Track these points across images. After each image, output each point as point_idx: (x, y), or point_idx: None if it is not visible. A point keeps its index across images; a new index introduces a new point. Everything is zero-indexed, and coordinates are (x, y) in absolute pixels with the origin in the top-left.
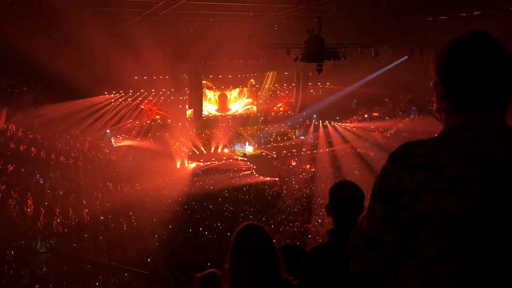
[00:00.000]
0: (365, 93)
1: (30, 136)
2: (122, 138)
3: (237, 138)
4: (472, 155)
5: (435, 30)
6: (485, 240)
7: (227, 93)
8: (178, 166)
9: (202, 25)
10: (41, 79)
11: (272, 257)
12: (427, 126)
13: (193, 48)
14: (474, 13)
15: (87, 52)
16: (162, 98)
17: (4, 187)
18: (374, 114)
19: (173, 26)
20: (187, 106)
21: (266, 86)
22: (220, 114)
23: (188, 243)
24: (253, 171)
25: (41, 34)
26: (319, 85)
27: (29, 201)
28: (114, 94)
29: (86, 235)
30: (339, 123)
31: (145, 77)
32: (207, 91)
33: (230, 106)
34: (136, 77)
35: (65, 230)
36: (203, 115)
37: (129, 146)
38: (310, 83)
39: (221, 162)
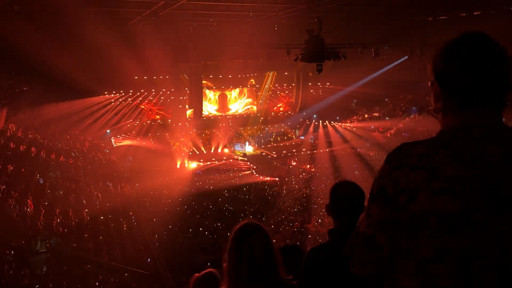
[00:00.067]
0: (365, 93)
1: (30, 136)
2: (122, 138)
3: (237, 138)
4: (469, 155)
5: (435, 30)
6: (482, 240)
7: (227, 93)
8: (178, 166)
9: (202, 25)
10: (41, 79)
11: (271, 256)
12: (427, 126)
13: (193, 48)
14: (474, 13)
15: (87, 52)
16: (162, 98)
17: (4, 187)
18: (374, 114)
19: (173, 26)
20: (187, 106)
21: (266, 86)
22: (220, 114)
23: (188, 243)
24: (253, 171)
25: (41, 34)
26: (319, 85)
27: (29, 201)
28: (114, 94)
29: (86, 235)
30: (339, 123)
31: (145, 77)
32: (207, 91)
33: (230, 106)
34: (136, 77)
35: (65, 230)
36: (203, 115)
37: (129, 146)
38: (310, 83)
39: (221, 162)
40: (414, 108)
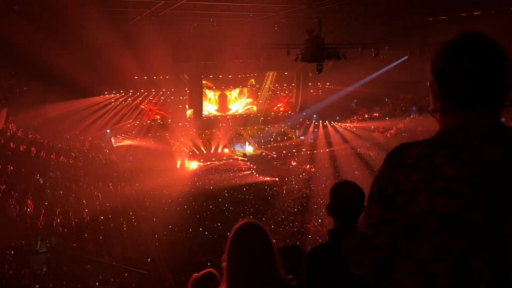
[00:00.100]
0: (365, 93)
1: (30, 136)
2: (122, 138)
3: (237, 138)
4: (468, 155)
5: (435, 30)
6: (481, 240)
7: (227, 93)
8: (178, 166)
9: (202, 25)
10: (41, 79)
11: (270, 256)
12: (427, 126)
13: (193, 48)
14: (474, 13)
15: (87, 52)
16: (162, 98)
17: (4, 187)
18: (374, 114)
19: (174, 26)
20: (187, 106)
21: (266, 86)
22: (220, 114)
23: (188, 243)
24: (253, 171)
25: (41, 34)
26: (319, 85)
27: (29, 201)
28: (114, 94)
29: (86, 235)
30: (339, 123)
31: (145, 77)
32: (207, 91)
33: (230, 106)
34: (136, 77)
35: (65, 230)
36: (203, 115)
37: (129, 146)
38: (310, 83)
39: (221, 162)
40: (414, 108)
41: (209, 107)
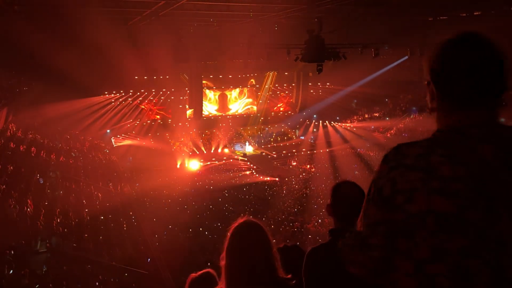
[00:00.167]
0: (365, 93)
1: (30, 136)
2: (122, 138)
3: (237, 138)
4: (466, 155)
5: (435, 30)
6: (479, 239)
7: (227, 93)
8: (178, 166)
9: (202, 25)
10: (41, 79)
11: (269, 255)
12: (427, 126)
13: (193, 48)
14: (474, 13)
15: (87, 52)
16: (162, 98)
17: (4, 187)
18: (374, 114)
19: (174, 26)
20: (187, 106)
21: (266, 86)
22: (220, 114)
23: (188, 243)
24: (253, 171)
25: (42, 34)
26: (319, 85)
27: (29, 201)
28: (114, 94)
29: (86, 235)
30: (339, 123)
31: (145, 77)
32: (207, 91)
33: (230, 106)
34: (136, 77)
35: (65, 230)
36: (203, 115)
37: (129, 146)
38: (310, 83)
39: (221, 162)
40: (414, 108)
41: (209, 107)
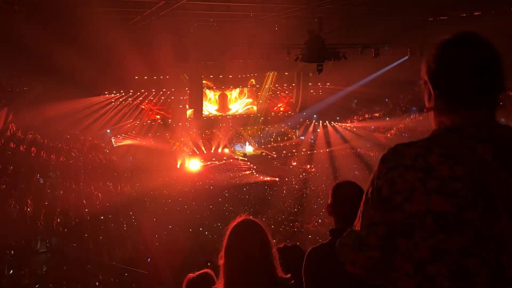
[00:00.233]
0: (365, 93)
1: (30, 136)
2: (122, 138)
3: (237, 138)
4: (463, 154)
5: (435, 30)
6: (478, 238)
7: (228, 93)
8: (178, 166)
9: (202, 25)
10: (41, 79)
11: (267, 254)
12: (428, 126)
13: (193, 48)
14: (475, 13)
15: (87, 52)
16: (162, 98)
17: (4, 187)
18: (374, 114)
19: (174, 26)
20: (187, 106)
21: (267, 86)
22: (220, 114)
23: (188, 243)
24: (253, 171)
25: (42, 34)
26: (319, 85)
27: (29, 201)
28: (114, 94)
29: (86, 235)
30: (339, 123)
31: (145, 77)
32: (207, 91)
33: (230, 106)
34: (136, 77)
35: (65, 230)
36: (203, 115)
37: (129, 146)
38: (310, 83)
39: (221, 162)
40: (414, 108)
41: (209, 107)
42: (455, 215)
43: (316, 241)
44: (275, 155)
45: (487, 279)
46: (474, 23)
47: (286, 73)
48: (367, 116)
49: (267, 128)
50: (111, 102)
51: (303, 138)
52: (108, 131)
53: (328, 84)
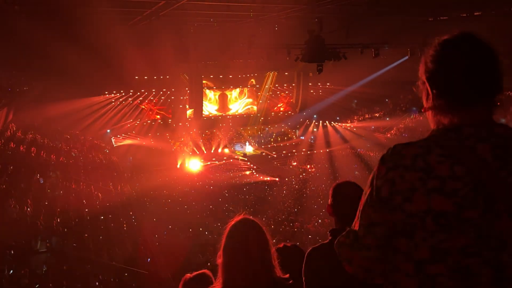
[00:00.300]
0: (365, 93)
1: (30, 136)
2: (122, 138)
3: (237, 138)
4: (461, 154)
5: (435, 30)
6: (478, 238)
7: (228, 93)
8: (178, 166)
9: (202, 25)
10: (41, 78)
11: (265, 253)
12: (428, 126)
13: (193, 48)
14: (475, 13)
15: (87, 52)
16: (162, 98)
17: (4, 187)
18: (374, 114)
19: (174, 26)
20: (187, 106)
21: (267, 86)
22: (220, 114)
23: (188, 243)
24: (253, 171)
25: (42, 34)
26: (319, 85)
27: (29, 201)
28: (114, 93)
29: (86, 235)
30: (340, 123)
31: (145, 77)
32: (207, 91)
33: (230, 106)
34: (136, 77)
35: (65, 229)
36: (203, 115)
37: (129, 146)
38: (310, 83)
39: (221, 162)
40: (414, 108)
41: (210, 107)
42: (456, 215)
43: (316, 241)
44: (275, 155)
45: (488, 278)
46: (474, 23)
47: (286, 73)
48: (367, 116)
49: (267, 128)
50: (111, 102)
51: (303, 138)
52: (108, 131)
53: (328, 84)
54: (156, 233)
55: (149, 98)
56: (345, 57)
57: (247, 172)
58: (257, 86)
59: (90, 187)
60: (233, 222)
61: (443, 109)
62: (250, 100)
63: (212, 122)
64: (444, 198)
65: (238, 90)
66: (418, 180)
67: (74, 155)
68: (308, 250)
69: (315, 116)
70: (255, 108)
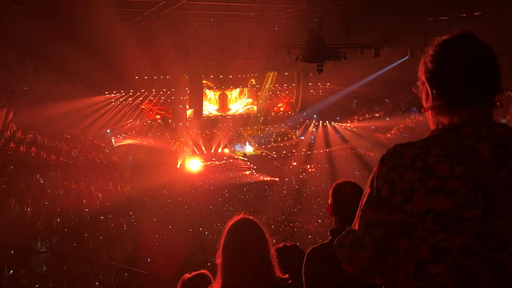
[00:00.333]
0: (365, 93)
1: (30, 136)
2: (122, 138)
3: (237, 138)
4: (461, 154)
5: (435, 30)
6: (478, 237)
7: (228, 93)
8: (178, 166)
9: (203, 25)
10: (41, 78)
11: (265, 253)
12: (428, 127)
13: (193, 48)
14: (475, 13)
15: (87, 52)
16: (162, 98)
17: (4, 187)
18: (374, 114)
19: (174, 26)
20: (187, 106)
21: (267, 86)
22: (220, 114)
23: (188, 243)
24: (253, 171)
25: (42, 34)
26: (319, 85)
27: (29, 201)
28: (114, 93)
29: (86, 235)
30: (340, 123)
31: (145, 77)
32: (207, 91)
33: (230, 106)
34: (136, 77)
35: (65, 229)
36: (203, 115)
37: (129, 146)
38: (310, 83)
39: (221, 162)
40: (414, 108)
41: (210, 107)
42: (456, 214)
43: (316, 241)
44: (275, 155)
45: (488, 278)
46: (474, 23)
47: (286, 73)
48: (367, 116)
49: (267, 128)
50: (111, 102)
51: (303, 138)
52: (108, 131)
53: (328, 84)
54: (156, 233)
55: (149, 98)
56: (345, 57)
57: (247, 172)
58: (257, 86)
59: (90, 187)
60: (232, 222)
61: (443, 109)
62: (250, 100)
63: (212, 122)
64: (444, 198)
65: (238, 90)
66: (417, 180)
67: (74, 155)
68: (308, 250)
69: (315, 116)
70: (255, 108)
